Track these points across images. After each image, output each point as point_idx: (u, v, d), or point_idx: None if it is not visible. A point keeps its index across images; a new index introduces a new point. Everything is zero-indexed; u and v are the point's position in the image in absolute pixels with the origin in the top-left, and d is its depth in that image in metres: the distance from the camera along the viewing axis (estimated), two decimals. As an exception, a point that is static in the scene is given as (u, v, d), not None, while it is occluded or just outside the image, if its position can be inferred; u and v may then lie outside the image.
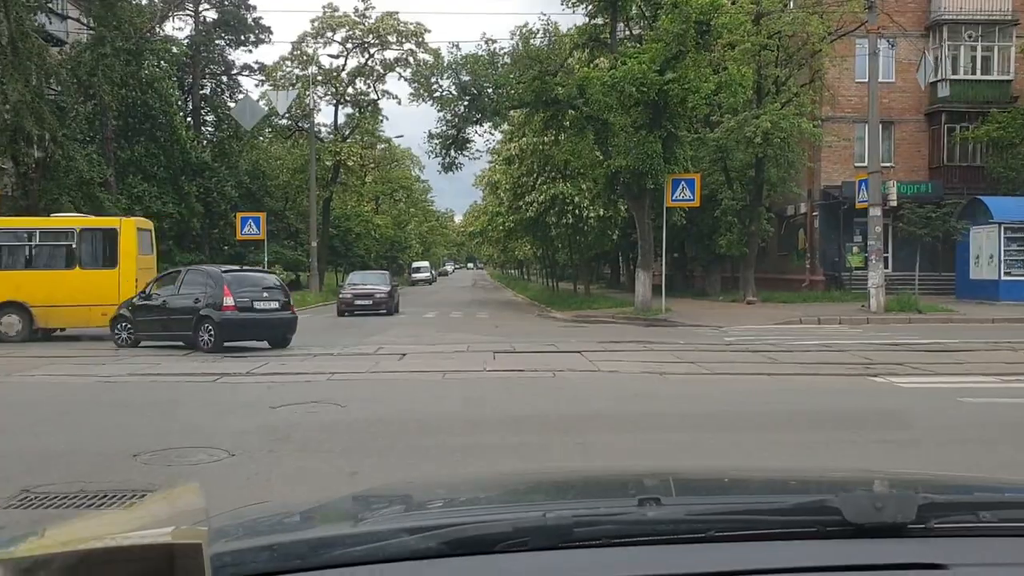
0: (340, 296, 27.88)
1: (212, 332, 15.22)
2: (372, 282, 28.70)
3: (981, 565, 1.28)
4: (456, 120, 26.38)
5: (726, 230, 30.65)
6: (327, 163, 41.97)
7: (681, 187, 23.93)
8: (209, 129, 47.78)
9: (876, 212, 24.05)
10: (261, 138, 48.75)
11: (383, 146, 54.45)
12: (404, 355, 14.15)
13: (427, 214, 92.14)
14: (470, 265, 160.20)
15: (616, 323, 23.85)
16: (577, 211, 30.01)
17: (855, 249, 34.36)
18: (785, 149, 27.79)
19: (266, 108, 39.22)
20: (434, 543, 1.25)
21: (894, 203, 25.51)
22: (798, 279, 35.33)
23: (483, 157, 38.28)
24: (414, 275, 78.31)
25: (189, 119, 45.42)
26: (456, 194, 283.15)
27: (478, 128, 27.82)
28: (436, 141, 26.83)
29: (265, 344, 15.94)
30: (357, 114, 44.23)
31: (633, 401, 9.34)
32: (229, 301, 15.31)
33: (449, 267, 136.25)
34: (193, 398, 9.84)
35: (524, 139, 30.51)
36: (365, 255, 57.98)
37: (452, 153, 27.20)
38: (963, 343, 15.92)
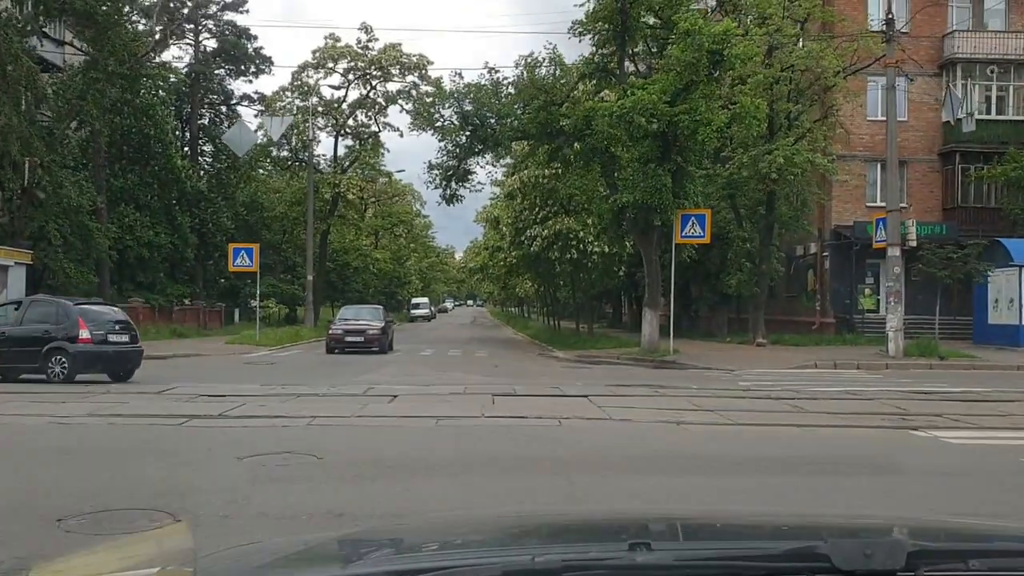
0: (330, 332, 26.28)
1: (65, 364, 15.27)
2: (365, 318, 27.01)
3: None
4: (457, 151, 25.49)
5: (736, 269, 29.61)
6: (326, 195, 41.06)
7: (691, 223, 22.92)
8: (207, 160, 47.00)
9: (894, 252, 23.05)
10: (261, 171, 48.01)
11: (384, 180, 53.66)
12: (395, 397, 12.99)
13: (427, 250, 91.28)
14: (470, 302, 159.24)
15: (622, 364, 22.73)
16: (581, 246, 28.97)
17: (867, 291, 33.35)
18: (800, 186, 26.87)
19: (261, 135, 38.39)
20: None
21: (913, 243, 24.50)
22: (807, 321, 34.22)
23: (485, 190, 37.47)
24: (413, 311, 77.39)
25: (187, 149, 44.65)
26: (457, 231, 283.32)
27: (480, 160, 26.94)
28: (436, 172, 25.92)
29: (105, 377, 15.77)
30: (357, 146, 43.41)
31: (651, 457, 8.18)
32: (85, 334, 15.41)
33: (449, 304, 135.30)
34: (152, 445, 8.69)
35: (526, 172, 29.58)
36: (363, 290, 57.02)
37: (453, 185, 26.29)
38: (996, 392, 14.82)
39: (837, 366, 21.45)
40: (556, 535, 1.95)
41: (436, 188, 26.22)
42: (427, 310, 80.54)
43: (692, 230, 22.93)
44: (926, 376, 19.09)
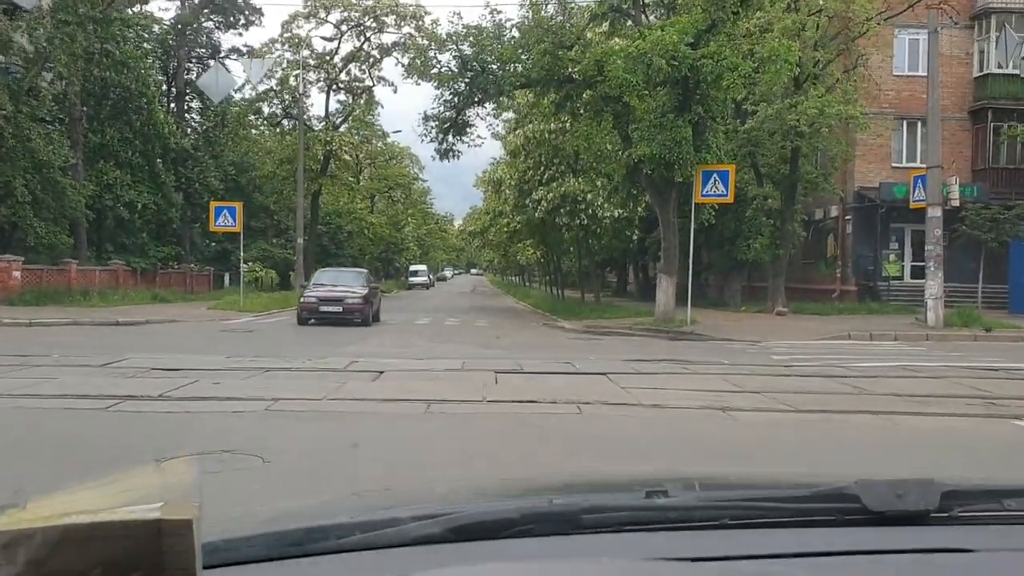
0: (302, 299, 22.37)
1: None
2: (345, 283, 22.95)
3: (1008, 550, 1.22)
4: (455, 100, 23.28)
5: (756, 233, 27.55)
6: (317, 154, 38.81)
7: (713, 180, 20.87)
8: (194, 117, 44.72)
9: (935, 213, 21.03)
10: (253, 130, 45.76)
11: (380, 142, 51.44)
12: (381, 374, 11.01)
13: (426, 216, 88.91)
14: (474, 271, 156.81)
15: (635, 335, 20.74)
16: (591, 210, 26.85)
17: (892, 257, 31.38)
18: (832, 142, 24.77)
19: (248, 87, 36.17)
20: (437, 529, 1.18)
21: (956, 203, 22.49)
22: (826, 289, 32.28)
23: (485, 146, 35.33)
24: (411, 279, 75.44)
25: (172, 105, 42.39)
26: (456, 199, 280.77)
27: (480, 110, 24.70)
28: (432, 124, 23.71)
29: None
30: (351, 101, 41.06)
31: (709, 463, 6.19)
32: None
33: (448, 272, 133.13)
34: (54, 437, 6.72)
35: (531, 126, 27.41)
36: (359, 255, 54.98)
37: (450, 138, 24.10)
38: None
39: (873, 337, 19.52)
40: (574, 488, 1.83)
41: (431, 142, 24.05)
42: (425, 278, 78.42)
43: (714, 188, 20.88)
44: (973, 349, 17.19)
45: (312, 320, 21.62)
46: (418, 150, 65.24)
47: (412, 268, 79.61)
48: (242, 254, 29.59)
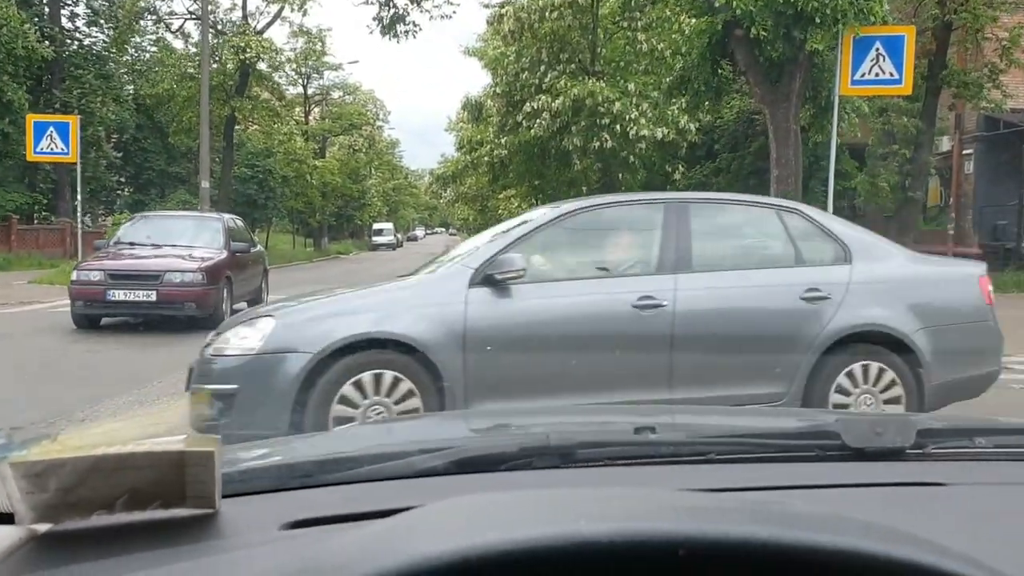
0: (74, 279, 11.12)
1: None
2: (174, 241, 12.13)
3: (976, 484, 1.27)
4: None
5: (872, 168, 18.16)
6: (228, 65, 28.80)
7: (874, 54, 11.34)
8: (82, 27, 34.38)
9: None
10: (172, 52, 35.44)
11: (335, 75, 41.57)
12: None
13: (394, 170, 78.53)
14: (452, 232, 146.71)
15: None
16: (618, 127, 17.21)
17: (1036, 206, 22.16)
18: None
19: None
20: (440, 462, 1.22)
21: None
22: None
23: (457, 18, 25.22)
24: (375, 239, 66.09)
25: (48, 10, 32.13)
26: (429, 161, 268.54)
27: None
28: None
29: None
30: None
31: None
32: None
33: (420, 232, 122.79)
34: None
35: (525, 1, 17.79)
36: (305, 209, 45.06)
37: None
38: None
39: None
40: (570, 424, 1.88)
41: (370, 3, 14.33)
42: (391, 237, 68.77)
43: (876, 68, 11.36)
44: None
45: (105, 318, 11.18)
46: (383, 92, 55.26)
47: (376, 226, 70.03)
48: (79, 199, 19.57)
